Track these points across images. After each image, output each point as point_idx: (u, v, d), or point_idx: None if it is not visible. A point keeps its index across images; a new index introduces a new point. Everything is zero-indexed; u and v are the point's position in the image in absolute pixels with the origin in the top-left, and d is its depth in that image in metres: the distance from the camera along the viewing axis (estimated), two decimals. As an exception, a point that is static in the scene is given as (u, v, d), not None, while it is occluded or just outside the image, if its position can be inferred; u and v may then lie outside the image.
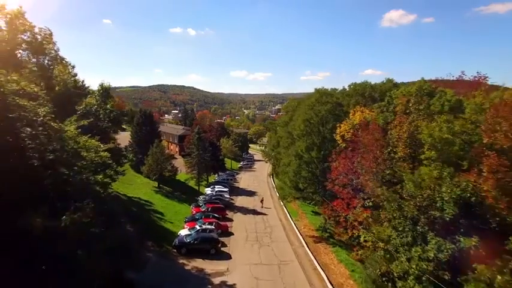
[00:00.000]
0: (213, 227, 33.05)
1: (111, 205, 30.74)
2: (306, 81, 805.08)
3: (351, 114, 30.79)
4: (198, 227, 32.24)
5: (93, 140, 19.49)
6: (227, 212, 43.20)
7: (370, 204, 23.86)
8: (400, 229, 18.87)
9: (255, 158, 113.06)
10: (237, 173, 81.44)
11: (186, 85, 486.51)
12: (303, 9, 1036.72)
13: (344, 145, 30.23)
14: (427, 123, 18.81)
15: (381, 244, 22.77)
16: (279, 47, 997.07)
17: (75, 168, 16.18)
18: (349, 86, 43.67)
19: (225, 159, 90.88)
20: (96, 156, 18.77)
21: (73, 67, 36.89)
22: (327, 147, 31.98)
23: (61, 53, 30.90)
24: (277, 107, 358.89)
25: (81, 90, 36.08)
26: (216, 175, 67.60)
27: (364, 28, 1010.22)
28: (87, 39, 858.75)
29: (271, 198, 55.56)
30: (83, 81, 37.59)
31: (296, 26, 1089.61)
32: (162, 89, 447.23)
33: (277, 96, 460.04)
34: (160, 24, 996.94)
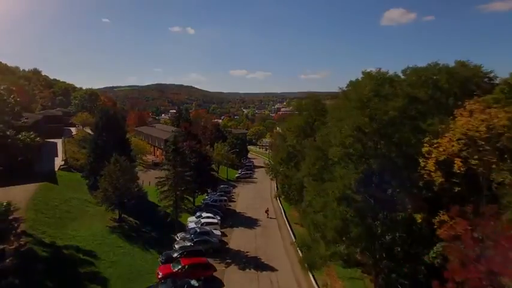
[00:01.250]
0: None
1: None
2: (305, 80, 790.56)
3: (457, 116, 15.60)
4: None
5: None
6: (215, 266, 28.07)
7: None
8: None
9: (255, 163, 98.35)
10: (234, 187, 66.33)
11: (185, 84, 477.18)
12: (302, 8, 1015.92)
13: (440, 180, 14.93)
14: None
15: None
16: (278, 45, 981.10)
17: None
18: (403, 72, 28.35)
19: (221, 166, 75.88)
20: None
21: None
22: (395, 180, 16.63)
23: None
24: (276, 106, 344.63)
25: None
26: (206, 194, 52.29)
27: (364, 27, 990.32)
28: (86, 39, 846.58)
29: (279, 230, 40.41)
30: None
31: (296, 24, 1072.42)
32: (161, 88, 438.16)
33: (276, 95, 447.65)
34: (160, 23, 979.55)
